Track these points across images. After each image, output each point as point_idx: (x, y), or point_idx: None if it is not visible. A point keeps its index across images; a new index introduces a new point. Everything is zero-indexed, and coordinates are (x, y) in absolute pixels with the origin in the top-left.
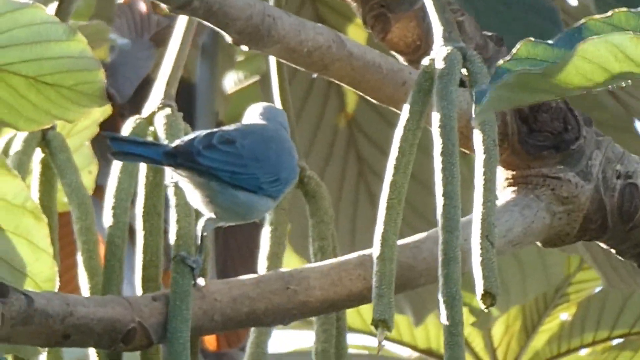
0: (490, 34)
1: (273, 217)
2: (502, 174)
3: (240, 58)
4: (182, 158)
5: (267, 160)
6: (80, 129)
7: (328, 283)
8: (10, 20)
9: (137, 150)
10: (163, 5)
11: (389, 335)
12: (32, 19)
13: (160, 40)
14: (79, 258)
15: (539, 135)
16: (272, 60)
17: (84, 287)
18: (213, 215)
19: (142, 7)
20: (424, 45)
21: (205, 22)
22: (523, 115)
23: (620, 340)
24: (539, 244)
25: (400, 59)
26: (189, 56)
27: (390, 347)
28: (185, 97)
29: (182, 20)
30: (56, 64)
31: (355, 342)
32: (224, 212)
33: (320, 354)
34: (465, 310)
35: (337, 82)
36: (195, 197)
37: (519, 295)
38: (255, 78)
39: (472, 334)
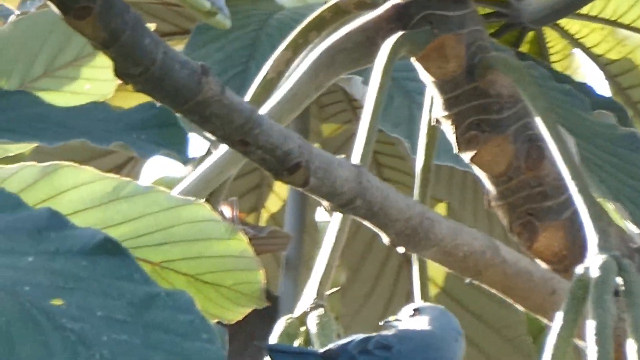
0: (636, 246)
1: None
2: None
3: None
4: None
5: None
6: None
7: None
8: (172, 217)
9: None
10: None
11: None
12: (194, 216)
13: None
14: None
15: None
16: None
17: None
18: None
19: (227, 213)
20: (570, 255)
21: (365, 222)
22: None
23: None
24: None
25: (545, 267)
26: (271, 268)
27: None
28: (268, 310)
29: (335, 220)
30: (217, 262)
31: None
32: None
33: None
34: None
35: (488, 287)
36: None
37: None
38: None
39: None
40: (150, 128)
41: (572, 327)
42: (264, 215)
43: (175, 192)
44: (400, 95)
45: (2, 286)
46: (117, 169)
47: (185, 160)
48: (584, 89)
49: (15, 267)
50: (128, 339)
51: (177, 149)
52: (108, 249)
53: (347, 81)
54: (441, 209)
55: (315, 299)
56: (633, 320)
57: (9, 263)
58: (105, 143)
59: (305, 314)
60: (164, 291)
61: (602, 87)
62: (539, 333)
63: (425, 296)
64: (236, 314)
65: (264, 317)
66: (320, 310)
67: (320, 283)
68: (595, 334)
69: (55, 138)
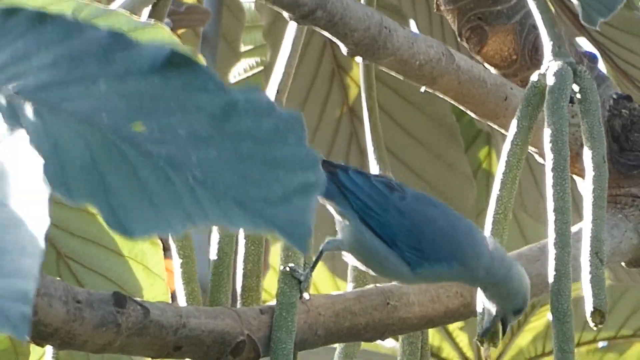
0: (585, 51)
1: None
2: None
3: (245, 48)
4: (326, 167)
5: (417, 227)
6: None
7: (427, 299)
8: None
9: None
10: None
11: None
12: (154, 39)
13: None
14: (176, 263)
15: (630, 154)
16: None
17: (180, 293)
18: (340, 238)
19: None
20: (520, 59)
21: (324, 32)
22: (615, 134)
23: (606, 343)
24: (623, 264)
25: (494, 72)
26: (190, 44)
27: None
28: None
29: (291, 28)
30: None
31: None
32: (355, 248)
33: None
34: None
35: (442, 95)
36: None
37: None
38: (259, 68)
39: (456, 330)
40: None
41: (527, 134)
42: None
43: (114, 5)
44: None
45: (81, 118)
46: None
47: None
48: None
49: (89, 95)
50: (217, 154)
51: None
52: (177, 61)
53: None
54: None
55: None
56: (588, 127)
57: (82, 91)
58: None
59: None
60: (241, 96)
61: None
62: (462, 115)
63: (372, 99)
64: None
65: None
66: None
67: (279, 91)
68: (552, 141)
69: None
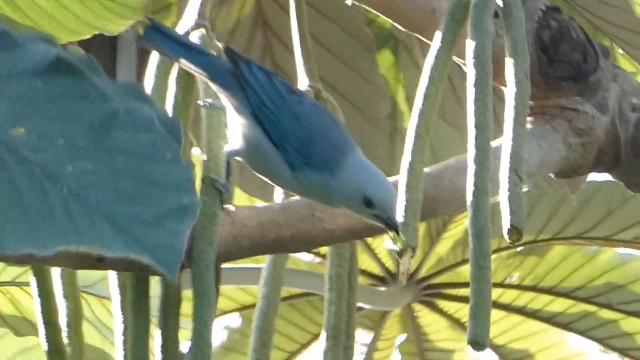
0: None
1: None
2: None
3: None
4: (230, 57)
5: (307, 133)
6: None
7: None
8: None
9: (187, 55)
10: None
11: None
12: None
13: None
14: None
15: (558, 66)
16: None
17: None
18: (237, 147)
19: None
20: None
21: None
22: (543, 45)
23: (526, 246)
24: (551, 175)
25: None
26: None
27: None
28: None
29: None
30: None
31: None
32: (243, 144)
33: (334, 277)
34: None
35: (369, 8)
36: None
37: None
38: None
39: (376, 241)
40: None
41: (450, 48)
42: None
43: None
44: None
45: None
46: None
47: None
48: None
49: None
50: (93, 167)
51: None
52: (61, 67)
53: None
54: None
55: (196, 19)
56: (512, 42)
57: None
58: None
59: (186, 34)
60: (122, 108)
61: None
62: (373, 20)
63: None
64: (120, 26)
65: None
66: (202, 30)
67: (202, 4)
68: (474, 56)
69: None
